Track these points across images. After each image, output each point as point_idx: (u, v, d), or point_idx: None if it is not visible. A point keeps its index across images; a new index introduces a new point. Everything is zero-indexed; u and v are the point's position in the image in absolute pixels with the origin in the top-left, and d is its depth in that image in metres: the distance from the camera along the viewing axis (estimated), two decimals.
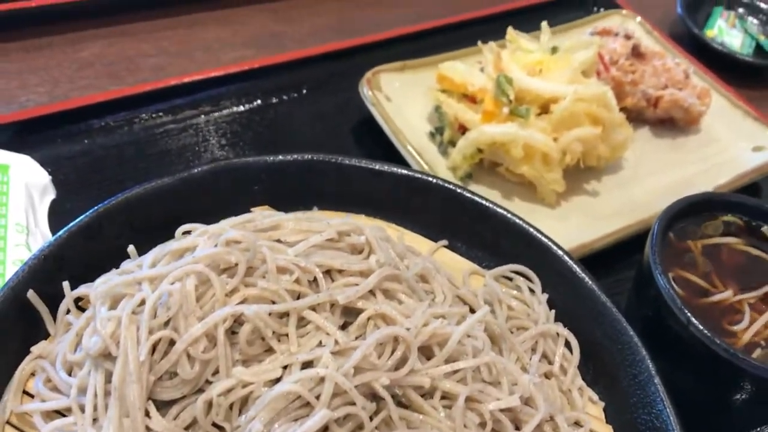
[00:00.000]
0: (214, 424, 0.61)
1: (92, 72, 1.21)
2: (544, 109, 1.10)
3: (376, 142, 1.13)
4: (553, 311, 0.86)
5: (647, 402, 0.77)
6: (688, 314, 0.76)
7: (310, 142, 1.15)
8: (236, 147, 1.13)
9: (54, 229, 0.94)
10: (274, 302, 0.66)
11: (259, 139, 1.14)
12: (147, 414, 0.61)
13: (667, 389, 0.76)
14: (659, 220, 0.86)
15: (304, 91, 1.24)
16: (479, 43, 1.21)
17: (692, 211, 0.90)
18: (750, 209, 0.90)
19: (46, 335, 0.74)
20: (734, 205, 0.91)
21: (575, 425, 0.76)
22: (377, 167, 0.93)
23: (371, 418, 0.62)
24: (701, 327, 0.76)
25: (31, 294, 0.73)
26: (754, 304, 0.83)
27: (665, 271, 0.81)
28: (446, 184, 0.94)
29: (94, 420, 0.63)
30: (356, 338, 0.67)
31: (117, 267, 0.76)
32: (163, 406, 0.63)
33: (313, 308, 0.66)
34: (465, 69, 1.15)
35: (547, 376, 0.81)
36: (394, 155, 1.09)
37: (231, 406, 0.61)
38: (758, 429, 0.89)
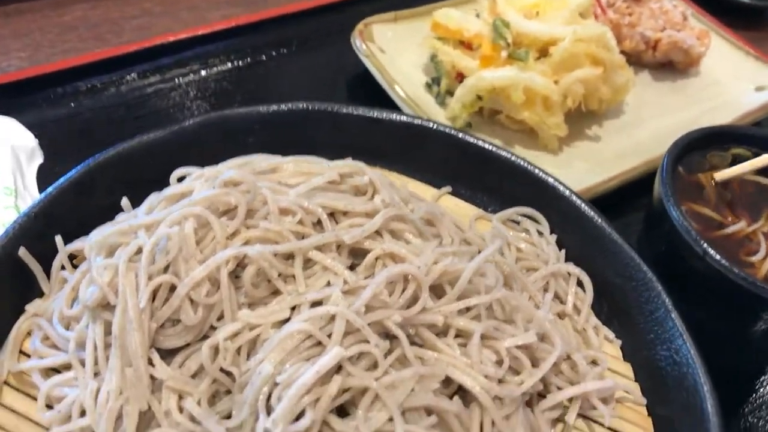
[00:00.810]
0: (222, 370, 0.59)
1: (75, 36, 1.17)
2: (543, 53, 1.07)
3: (371, 95, 1.10)
4: (563, 251, 0.83)
5: (666, 338, 0.75)
6: (705, 245, 0.74)
7: (303, 98, 1.11)
8: (226, 105, 1.09)
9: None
10: (278, 243, 0.63)
11: (250, 96, 1.11)
12: (150, 363, 0.59)
13: (685, 324, 0.74)
14: (669, 152, 0.83)
15: (294, 47, 1.20)
16: None
17: (701, 145, 0.88)
18: (759, 140, 0.88)
19: (40, 294, 0.71)
20: (743, 137, 0.89)
21: (592, 364, 0.74)
22: (375, 114, 0.91)
23: (386, 357, 0.59)
24: (719, 257, 0.73)
25: (23, 252, 0.70)
26: (767, 232, 0.81)
27: (677, 204, 0.78)
28: (447, 129, 0.91)
29: (96, 374, 0.61)
30: (366, 278, 0.64)
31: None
32: (167, 356, 0.60)
33: (319, 249, 0.64)
34: (460, 15, 1.12)
35: (561, 316, 0.78)
36: (390, 108, 1.05)
37: (238, 350, 0.59)
38: None
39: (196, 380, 0.59)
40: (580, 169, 1.05)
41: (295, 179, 0.70)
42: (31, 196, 0.90)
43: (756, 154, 0.88)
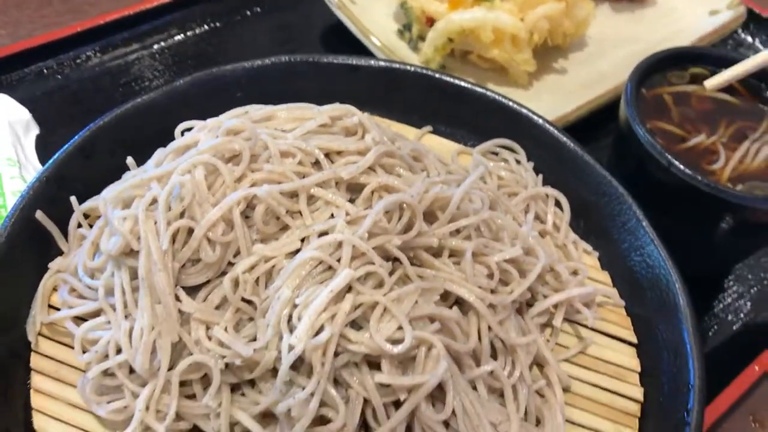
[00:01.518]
0: (243, 300, 0.64)
1: (52, 10, 1.20)
2: None
3: (346, 46, 1.14)
4: (540, 176, 0.90)
5: (638, 245, 0.82)
6: (669, 157, 0.81)
7: (281, 53, 1.15)
8: (209, 66, 1.13)
9: (43, 162, 0.94)
10: (282, 183, 0.68)
11: (231, 56, 1.15)
12: (177, 299, 0.64)
13: (656, 232, 0.81)
14: (631, 76, 0.89)
15: (268, 4, 1.24)
16: None
17: (662, 67, 0.94)
18: (713, 59, 0.94)
19: (59, 253, 0.76)
20: (699, 57, 0.95)
21: (574, 274, 0.81)
22: (354, 62, 0.95)
23: (390, 276, 0.65)
24: (682, 167, 0.80)
25: (39, 214, 0.75)
26: (726, 143, 0.88)
27: (642, 123, 0.85)
28: (424, 71, 0.96)
29: (126, 316, 0.66)
30: (365, 209, 0.69)
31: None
32: (191, 292, 0.66)
33: (320, 185, 0.69)
34: None
35: (542, 234, 0.85)
36: (369, 56, 1.10)
37: (257, 281, 0.65)
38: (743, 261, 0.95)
39: (221, 311, 0.65)
40: (549, 101, 1.11)
41: (290, 125, 0.75)
42: (33, 166, 0.94)
43: (712, 72, 0.95)
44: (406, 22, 1.18)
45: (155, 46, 1.14)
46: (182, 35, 1.17)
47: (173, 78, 1.10)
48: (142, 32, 1.15)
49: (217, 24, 1.19)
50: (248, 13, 1.22)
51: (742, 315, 0.93)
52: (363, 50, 1.11)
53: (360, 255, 0.64)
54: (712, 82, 0.91)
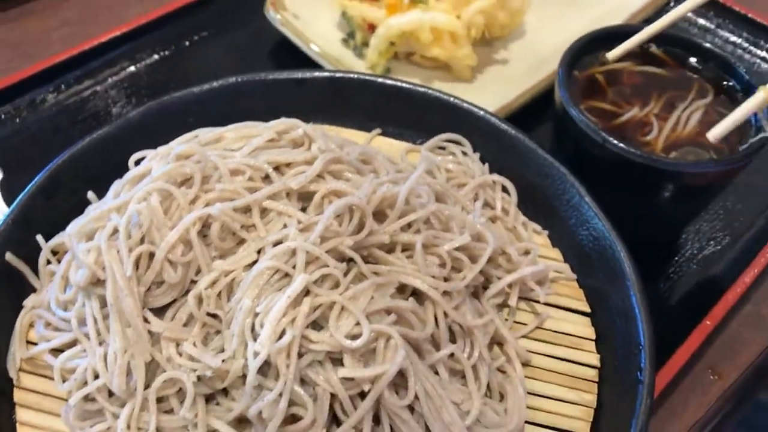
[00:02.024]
0: (209, 315, 0.68)
1: (2, 57, 1.22)
2: None
3: (296, 60, 1.17)
4: (487, 165, 0.94)
5: (583, 220, 0.86)
6: (603, 134, 0.85)
7: (232, 73, 1.19)
8: (163, 93, 1.16)
9: (9, 204, 0.97)
10: (235, 200, 0.72)
11: (183, 82, 1.16)
12: (146, 321, 0.68)
13: (599, 206, 0.85)
14: (562, 60, 0.94)
15: (216, 27, 1.27)
16: None
17: (591, 48, 0.98)
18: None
19: (32, 290, 0.79)
20: (625, 34, 0.99)
21: (525, 254, 0.86)
22: (300, 75, 0.99)
23: (345, 276, 0.69)
24: (616, 141, 0.85)
25: (9, 256, 0.78)
26: (658, 114, 0.92)
27: (576, 104, 0.89)
28: (366, 77, 1.00)
29: (100, 342, 0.70)
30: (316, 215, 0.73)
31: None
32: (159, 313, 0.70)
33: (272, 198, 0.73)
34: None
35: (493, 219, 0.89)
36: (315, 68, 1.14)
37: (219, 295, 0.68)
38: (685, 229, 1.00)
39: (189, 327, 0.68)
40: (494, 91, 1.15)
41: (238, 144, 0.79)
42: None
43: (640, 48, 0.99)
44: (350, 30, 1.21)
45: (108, 80, 1.17)
46: (134, 67, 1.20)
47: (128, 110, 1.14)
48: (93, 68, 1.18)
49: (167, 52, 1.22)
50: (196, 37, 1.26)
51: (691, 275, 0.98)
52: (312, 61, 1.15)
53: (314, 259, 0.68)
54: (614, 54, 0.96)
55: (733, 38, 1.33)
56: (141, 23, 1.24)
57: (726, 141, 0.89)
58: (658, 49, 1.00)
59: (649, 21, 1.24)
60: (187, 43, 1.25)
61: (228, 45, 1.26)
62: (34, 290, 0.80)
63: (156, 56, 1.22)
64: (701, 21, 1.36)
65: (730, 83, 0.95)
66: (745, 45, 1.32)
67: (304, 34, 1.18)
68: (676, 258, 0.99)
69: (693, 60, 0.98)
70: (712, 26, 1.35)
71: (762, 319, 0.96)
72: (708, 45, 0.98)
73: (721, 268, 0.99)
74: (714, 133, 0.87)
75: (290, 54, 1.18)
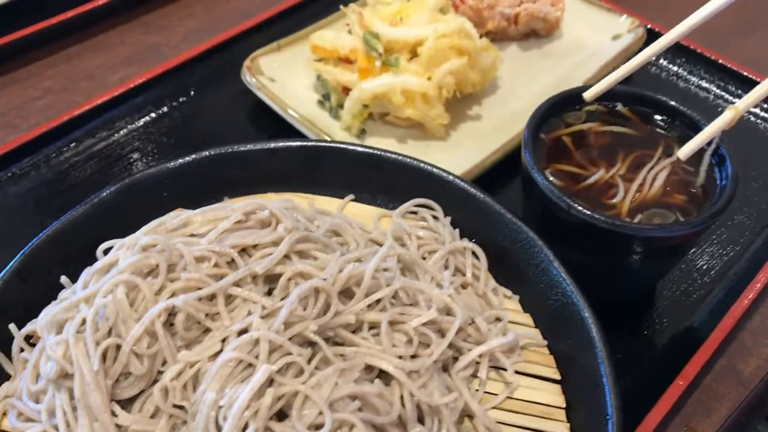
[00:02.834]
0: (175, 406, 0.69)
1: None
2: (414, 54, 1.18)
3: (274, 123, 1.20)
4: (457, 230, 0.95)
5: (553, 284, 0.87)
6: (567, 200, 0.86)
7: (213, 140, 1.19)
8: (142, 161, 1.18)
9: None
10: (200, 289, 0.73)
11: (163, 149, 1.20)
12: (114, 414, 0.69)
13: (568, 269, 0.86)
14: (528, 124, 0.95)
15: (192, 93, 1.29)
16: (341, 7, 1.28)
17: (556, 110, 0.99)
18: (605, 94, 1.00)
19: (7, 377, 0.81)
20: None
21: (496, 321, 0.87)
22: (272, 146, 1.01)
23: (310, 362, 0.70)
24: (580, 207, 0.85)
25: None
26: (624, 175, 0.93)
27: (541, 169, 0.90)
28: (338, 145, 1.02)
29: None
30: (282, 299, 0.74)
31: (55, 299, 0.82)
32: (127, 404, 0.71)
33: (237, 284, 0.74)
34: (333, 35, 1.22)
35: (464, 286, 0.90)
36: (293, 131, 1.16)
37: (185, 386, 0.69)
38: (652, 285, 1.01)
39: (156, 419, 0.69)
40: (468, 148, 1.17)
41: (205, 228, 0.80)
42: None
43: (607, 107, 1.01)
44: (325, 92, 1.23)
45: (88, 151, 1.19)
46: (113, 136, 1.21)
47: (107, 180, 1.15)
48: (73, 139, 1.19)
49: (145, 119, 1.24)
50: (175, 104, 1.27)
51: (665, 332, 0.98)
52: (290, 124, 1.17)
53: (278, 347, 0.69)
54: (590, 94, 0.97)
55: (705, 84, 1.35)
56: (121, 91, 1.26)
57: (693, 200, 0.90)
58: (625, 108, 1.01)
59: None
60: (165, 108, 1.27)
61: (208, 110, 1.28)
62: (9, 376, 0.81)
63: (135, 124, 1.24)
64: (674, 68, 1.38)
65: None
66: (717, 90, 1.33)
67: (280, 97, 1.19)
68: (650, 315, 1.00)
69: (659, 118, 1.00)
70: (685, 73, 1.37)
71: (736, 374, 0.96)
72: (673, 103, 0.99)
73: (695, 323, 0.99)
74: (683, 152, 0.89)
75: (269, 117, 1.20)
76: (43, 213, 1.10)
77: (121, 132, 1.23)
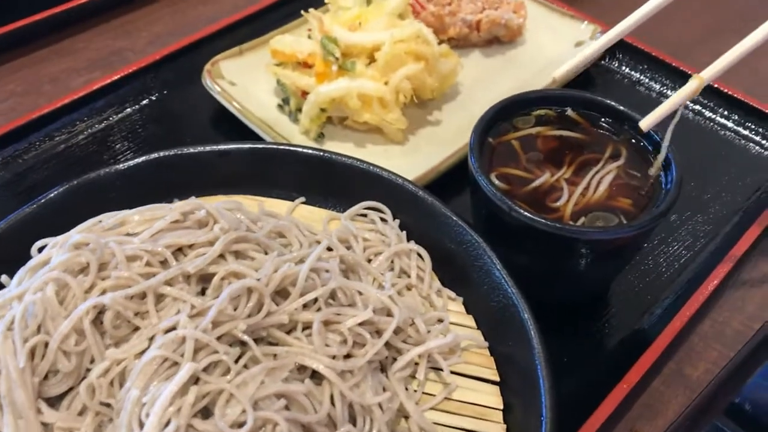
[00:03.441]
0: (102, 403, 0.69)
1: None
2: (373, 59, 1.19)
3: (236, 127, 1.20)
4: (404, 232, 0.95)
5: (495, 286, 0.87)
6: (509, 203, 0.86)
7: (174, 143, 1.20)
8: (101, 164, 1.18)
9: None
10: (130, 287, 0.73)
11: (123, 152, 1.20)
12: (39, 411, 0.69)
13: (512, 272, 0.87)
14: (475, 127, 0.95)
15: (155, 97, 1.29)
16: (303, 12, 1.29)
17: (505, 114, 1.00)
18: (554, 99, 1.01)
19: None
20: (541, 99, 1.01)
21: (438, 322, 0.87)
22: (222, 148, 1.01)
23: (238, 361, 0.70)
24: (522, 210, 0.86)
25: None
26: (569, 178, 0.94)
27: (486, 173, 0.91)
28: (288, 147, 1.02)
29: None
30: (214, 299, 0.74)
31: None
32: (56, 401, 0.71)
33: (168, 283, 0.74)
34: (293, 39, 1.23)
35: (408, 288, 0.90)
36: (253, 134, 1.17)
37: (111, 383, 0.69)
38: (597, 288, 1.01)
39: (82, 416, 0.69)
40: (426, 153, 1.17)
41: (141, 227, 0.80)
42: None
43: (556, 111, 1.02)
44: (284, 96, 1.24)
45: (47, 153, 1.19)
46: (73, 139, 1.21)
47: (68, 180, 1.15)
48: (32, 142, 1.20)
49: (106, 122, 1.24)
50: (137, 107, 1.28)
51: (613, 335, 0.99)
52: (249, 128, 1.17)
53: (204, 346, 0.69)
54: (561, 73, 0.98)
55: (656, 86, 1.36)
56: (83, 94, 1.26)
57: (637, 204, 0.90)
58: (574, 113, 1.02)
59: (573, 83, 1.29)
60: (128, 110, 1.27)
61: (170, 114, 1.28)
62: None
63: (96, 127, 1.24)
64: (627, 70, 1.39)
65: (641, 144, 0.97)
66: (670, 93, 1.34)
67: (240, 101, 1.20)
68: (598, 319, 1.00)
69: (608, 122, 1.00)
70: (639, 75, 1.38)
71: (684, 378, 0.96)
72: (621, 107, 1.00)
73: (643, 327, 0.99)
74: (646, 123, 0.90)
75: (230, 121, 1.20)
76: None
77: (81, 135, 1.23)
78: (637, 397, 0.94)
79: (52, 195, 0.94)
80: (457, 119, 1.24)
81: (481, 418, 0.80)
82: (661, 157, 0.92)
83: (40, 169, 1.17)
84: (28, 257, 0.85)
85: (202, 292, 0.77)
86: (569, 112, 1.01)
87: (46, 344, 0.70)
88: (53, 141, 1.22)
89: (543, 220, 0.85)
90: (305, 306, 0.78)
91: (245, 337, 0.71)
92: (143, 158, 0.98)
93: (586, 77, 1.36)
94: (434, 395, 0.82)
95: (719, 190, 1.17)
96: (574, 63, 0.94)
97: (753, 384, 0.89)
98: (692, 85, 0.90)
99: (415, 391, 0.82)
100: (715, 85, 1.30)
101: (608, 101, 1.01)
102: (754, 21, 0.92)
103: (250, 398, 0.66)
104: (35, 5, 1.41)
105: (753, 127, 1.28)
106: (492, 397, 0.82)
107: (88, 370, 0.71)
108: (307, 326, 0.77)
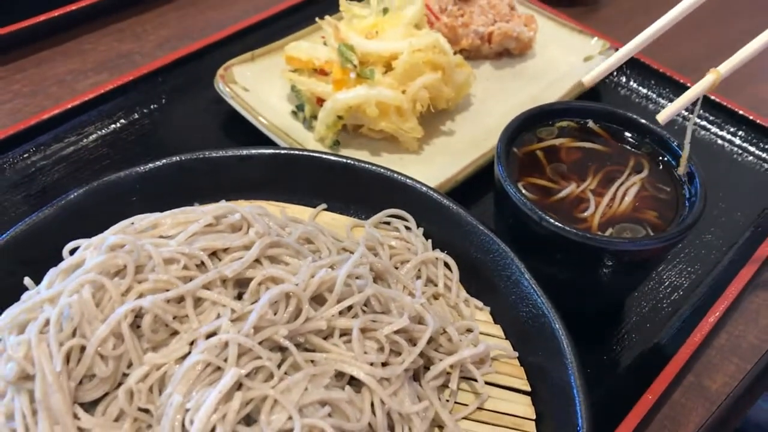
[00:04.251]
0: (140, 409, 0.67)
1: None
2: (389, 67, 1.19)
3: (248, 132, 1.19)
4: (430, 241, 0.95)
5: (524, 296, 0.87)
6: (539, 212, 0.87)
7: (184, 147, 1.18)
8: (111, 168, 1.16)
9: None
10: (168, 290, 0.71)
11: (133, 156, 1.18)
12: (76, 417, 0.67)
13: (539, 282, 0.87)
14: (501, 138, 0.96)
15: (164, 101, 1.28)
16: (317, 19, 1.29)
17: (529, 125, 1.00)
18: (576, 111, 1.02)
19: None
20: (563, 111, 1.02)
21: (467, 332, 0.86)
22: (244, 152, 1.00)
23: (279, 366, 0.69)
24: (552, 220, 0.86)
25: None
26: (595, 189, 0.94)
27: (514, 182, 0.91)
28: (311, 153, 1.01)
29: None
30: (252, 304, 0.73)
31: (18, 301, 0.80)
32: (90, 407, 0.68)
33: (206, 287, 0.73)
34: (309, 46, 1.22)
35: (436, 296, 0.90)
36: (265, 140, 1.15)
37: (150, 389, 0.67)
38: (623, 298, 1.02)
39: (119, 422, 0.67)
40: (440, 163, 1.17)
41: (175, 230, 0.79)
42: None
43: (578, 123, 1.02)
44: (299, 103, 1.23)
45: (56, 156, 1.17)
46: (82, 141, 1.19)
47: (75, 184, 1.13)
48: (40, 143, 1.17)
49: (115, 126, 1.22)
50: (146, 111, 1.26)
51: (635, 346, 0.99)
52: (262, 133, 1.16)
53: (247, 351, 0.68)
54: (590, 78, 0.98)
55: (663, 101, 1.38)
56: (91, 96, 1.24)
57: (663, 216, 0.91)
58: (596, 125, 1.02)
59: (586, 95, 1.30)
60: (136, 115, 1.25)
61: (179, 118, 1.27)
62: None
63: (105, 130, 1.22)
64: (642, 89, 1.41)
65: (665, 158, 0.98)
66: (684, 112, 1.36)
67: (253, 107, 1.19)
68: (619, 330, 1.01)
69: (630, 135, 1.01)
70: (653, 94, 1.40)
71: (704, 390, 0.97)
72: (643, 120, 1.01)
73: (663, 339, 1.00)
74: (663, 116, 0.90)
75: (242, 127, 1.19)
76: (10, 218, 1.07)
77: (90, 137, 1.21)
78: (659, 409, 0.94)
79: (71, 197, 0.92)
80: (469, 130, 1.25)
81: (514, 428, 0.80)
82: (685, 153, 0.93)
83: (50, 172, 1.15)
84: (48, 258, 0.83)
85: (239, 297, 0.75)
86: (591, 124, 1.02)
87: (82, 348, 0.68)
88: (62, 143, 1.19)
89: (575, 231, 0.85)
90: (341, 312, 0.77)
91: (287, 343, 0.70)
92: (164, 161, 0.97)
93: (594, 92, 1.37)
94: (467, 405, 0.81)
95: (732, 205, 1.19)
96: (602, 69, 0.94)
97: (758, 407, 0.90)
98: (709, 79, 0.91)
99: (447, 400, 0.81)
100: (724, 103, 1.33)
101: (630, 114, 1.02)
102: None
103: (295, 405, 0.65)
104: (40, 5, 1.39)
105: (762, 145, 1.30)
106: (524, 407, 0.82)
107: (125, 375, 0.69)
108: (343, 333, 0.76)
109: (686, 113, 1.34)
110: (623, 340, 1.00)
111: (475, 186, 1.13)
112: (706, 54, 1.51)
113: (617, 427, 0.87)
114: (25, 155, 1.16)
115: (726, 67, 0.92)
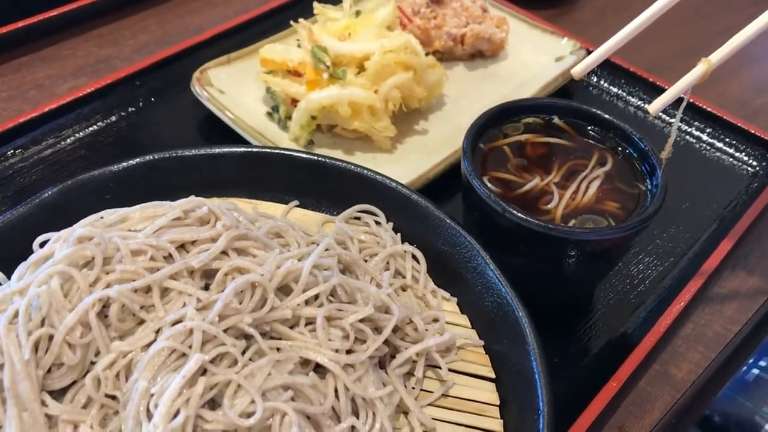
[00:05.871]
0: (107, 396, 0.69)
1: None
2: (361, 68, 1.21)
3: (223, 133, 1.21)
4: (399, 234, 0.97)
5: (489, 286, 0.89)
6: (503, 204, 0.89)
7: (161, 149, 1.19)
8: (89, 170, 1.16)
9: None
10: (135, 281, 0.73)
11: (111, 158, 1.18)
12: (44, 404, 0.68)
13: (504, 273, 0.89)
14: (467, 133, 0.98)
15: (141, 104, 1.29)
16: (292, 23, 1.31)
17: (496, 121, 1.03)
18: (541, 108, 1.04)
19: None
20: (529, 108, 1.05)
21: (434, 321, 0.88)
22: (216, 151, 1.02)
23: (244, 353, 0.71)
24: (515, 212, 0.88)
25: None
26: (559, 182, 0.97)
27: (480, 176, 0.93)
28: (281, 151, 1.03)
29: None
30: (218, 293, 0.75)
31: None
32: (59, 395, 0.70)
33: (173, 277, 0.75)
34: (283, 48, 1.25)
35: (404, 288, 0.92)
36: (241, 141, 1.17)
37: (117, 376, 0.69)
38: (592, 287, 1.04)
39: (87, 409, 0.69)
40: (413, 161, 1.19)
41: (143, 224, 0.81)
42: None
43: (544, 119, 1.05)
44: (274, 104, 1.25)
45: (33, 158, 1.18)
46: (60, 144, 1.21)
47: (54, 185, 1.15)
48: (18, 146, 1.19)
49: (93, 128, 1.24)
50: (123, 113, 1.28)
51: (600, 336, 1.01)
52: (237, 135, 1.18)
53: (211, 338, 0.69)
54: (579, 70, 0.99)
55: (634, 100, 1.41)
56: (69, 99, 1.26)
57: (624, 207, 0.93)
58: (561, 121, 1.05)
59: (557, 93, 1.33)
60: (113, 118, 1.27)
61: (157, 121, 1.28)
62: None
63: (82, 133, 1.24)
64: (607, 86, 1.43)
65: (627, 150, 1.00)
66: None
67: (228, 108, 1.21)
68: (586, 320, 1.03)
69: (594, 130, 1.04)
70: (616, 89, 1.43)
71: (669, 378, 0.99)
72: (607, 116, 1.03)
73: (629, 329, 1.02)
74: (654, 107, 0.91)
75: (218, 128, 1.21)
76: None
77: (68, 140, 1.23)
78: (624, 396, 0.96)
79: (45, 195, 0.93)
80: (442, 129, 1.27)
81: (478, 414, 0.82)
82: (671, 140, 0.94)
83: (28, 174, 1.16)
84: (22, 256, 0.84)
85: (206, 288, 0.77)
86: (556, 120, 1.05)
87: (50, 337, 0.70)
88: (40, 145, 1.21)
89: (536, 221, 0.87)
90: (307, 302, 0.79)
91: (251, 330, 0.72)
92: (137, 160, 0.99)
93: (565, 91, 1.40)
94: (432, 392, 0.83)
95: (698, 200, 1.22)
96: (591, 60, 0.95)
97: (723, 396, 0.92)
98: (701, 69, 0.92)
99: (413, 388, 0.83)
100: (699, 103, 1.36)
101: (594, 110, 1.04)
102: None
103: (258, 389, 0.67)
104: (19, 11, 1.41)
105: (728, 140, 1.33)
106: (488, 393, 0.84)
107: (92, 363, 0.70)
108: (309, 322, 0.78)
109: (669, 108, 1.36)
110: (590, 330, 1.02)
111: (446, 185, 1.15)
112: (674, 54, 1.54)
113: (581, 413, 0.89)
114: (1, 158, 1.18)
115: (717, 56, 0.92)
